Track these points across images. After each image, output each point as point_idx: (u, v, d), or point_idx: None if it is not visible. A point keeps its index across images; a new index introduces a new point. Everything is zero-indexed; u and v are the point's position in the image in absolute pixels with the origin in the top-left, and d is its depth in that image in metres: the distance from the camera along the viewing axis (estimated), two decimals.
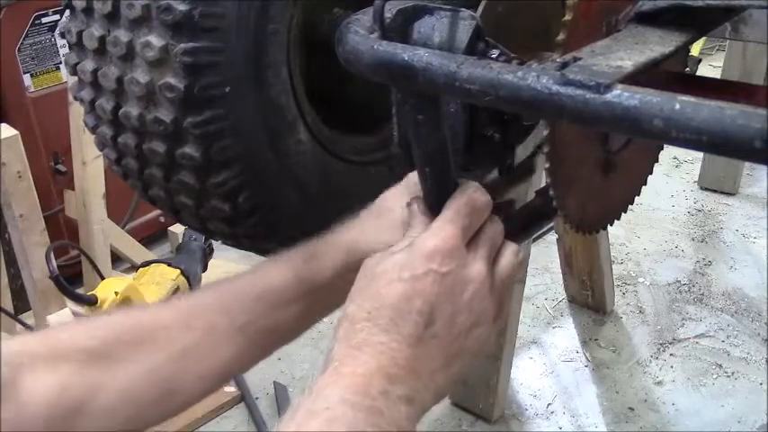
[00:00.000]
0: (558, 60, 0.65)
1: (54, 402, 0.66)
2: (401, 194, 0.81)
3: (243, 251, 1.14)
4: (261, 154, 0.98)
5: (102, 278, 2.37)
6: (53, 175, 2.54)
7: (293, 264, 0.80)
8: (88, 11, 0.95)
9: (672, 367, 2.29)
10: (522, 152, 0.89)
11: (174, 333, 0.73)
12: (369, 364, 0.62)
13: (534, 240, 2.63)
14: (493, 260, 0.71)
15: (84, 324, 0.74)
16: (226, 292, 0.79)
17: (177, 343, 0.73)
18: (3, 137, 2.03)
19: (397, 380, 0.61)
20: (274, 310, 0.78)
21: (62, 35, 1.04)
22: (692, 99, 0.54)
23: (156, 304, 0.80)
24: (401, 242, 0.70)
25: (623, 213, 1.03)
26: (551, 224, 2.35)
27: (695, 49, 3.25)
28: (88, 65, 0.98)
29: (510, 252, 0.72)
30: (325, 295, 0.81)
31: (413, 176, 0.81)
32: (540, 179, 1.79)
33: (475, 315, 0.67)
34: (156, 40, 0.89)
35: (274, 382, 2.24)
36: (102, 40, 0.94)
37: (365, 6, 0.79)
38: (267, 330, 0.78)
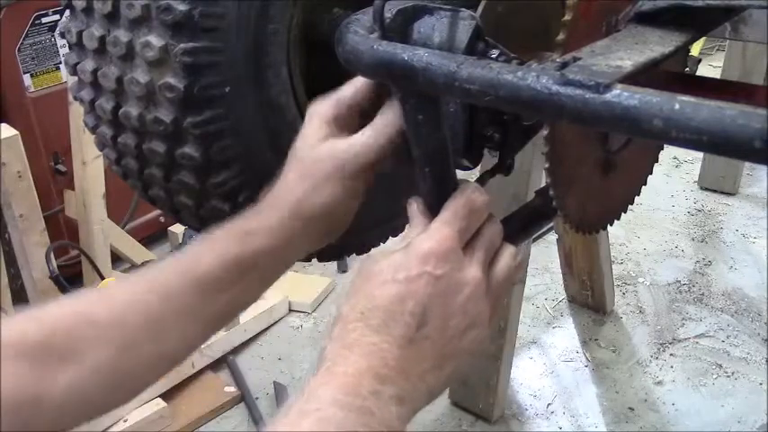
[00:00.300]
0: (557, 60, 0.65)
1: (10, 396, 0.66)
2: (318, 136, 0.79)
3: None
4: (261, 154, 0.98)
5: (102, 278, 2.38)
6: (53, 175, 2.54)
7: (226, 244, 0.77)
8: (88, 11, 0.95)
9: (672, 367, 2.29)
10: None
11: (111, 331, 0.72)
12: (359, 363, 0.62)
13: (534, 240, 2.63)
14: (490, 262, 0.71)
15: (29, 317, 0.72)
16: (159, 281, 0.76)
17: (115, 340, 0.72)
18: (3, 137, 2.03)
19: (387, 380, 0.62)
20: (212, 294, 0.76)
21: (62, 35, 1.04)
22: (692, 99, 0.55)
23: (91, 295, 0.77)
24: (400, 242, 0.70)
25: (623, 213, 1.03)
26: (551, 224, 2.35)
27: (695, 49, 3.25)
28: (88, 65, 0.98)
29: (508, 254, 0.73)
30: (265, 269, 0.79)
31: (316, 113, 0.80)
32: (540, 179, 1.80)
33: (469, 317, 0.67)
34: (155, 40, 0.89)
35: (274, 382, 2.24)
36: (102, 40, 0.94)
37: (365, 6, 0.79)
38: (207, 313, 0.77)
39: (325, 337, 0.68)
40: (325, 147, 0.78)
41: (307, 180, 0.77)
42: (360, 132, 0.78)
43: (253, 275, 0.78)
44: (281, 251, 0.78)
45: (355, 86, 0.80)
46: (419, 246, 0.67)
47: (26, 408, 0.67)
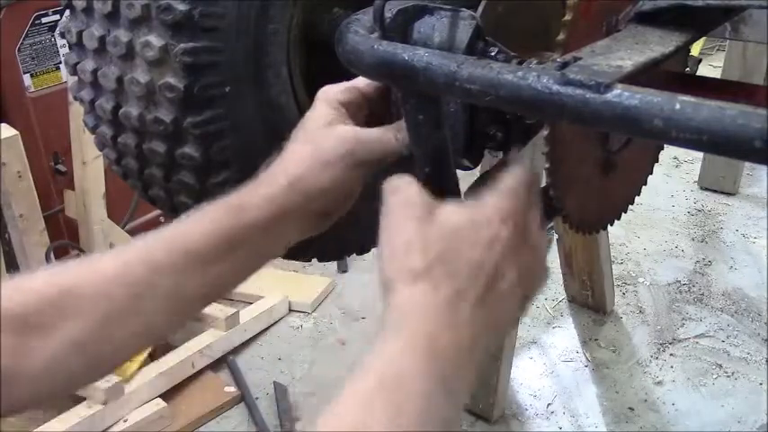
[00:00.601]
0: (558, 60, 0.65)
1: None
2: (329, 117, 0.79)
3: None
4: (261, 154, 0.98)
5: None
6: (53, 175, 2.54)
7: (219, 216, 0.75)
8: (88, 11, 0.96)
9: (672, 367, 2.29)
10: None
11: (95, 303, 0.70)
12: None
13: None
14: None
15: (12, 288, 0.70)
16: (147, 252, 0.74)
17: (99, 312, 0.70)
18: (3, 137, 2.03)
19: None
20: (200, 267, 0.74)
21: (62, 35, 1.04)
22: (692, 99, 0.55)
23: (78, 266, 0.75)
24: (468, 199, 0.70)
25: (623, 213, 1.03)
26: (551, 224, 2.35)
27: (695, 49, 3.25)
28: (88, 65, 0.98)
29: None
30: (257, 245, 0.77)
31: (328, 96, 0.80)
32: (540, 179, 1.80)
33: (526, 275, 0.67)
34: (155, 40, 0.89)
35: (274, 382, 2.24)
36: (102, 39, 0.94)
37: (365, 6, 0.79)
38: (194, 286, 0.75)
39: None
40: (337, 129, 0.78)
41: (314, 157, 0.77)
42: (384, 127, 0.78)
43: (244, 250, 0.76)
44: (275, 226, 0.76)
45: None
46: (498, 205, 0.66)
47: (4, 379, 0.66)
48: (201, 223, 0.75)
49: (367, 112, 0.82)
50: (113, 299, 0.71)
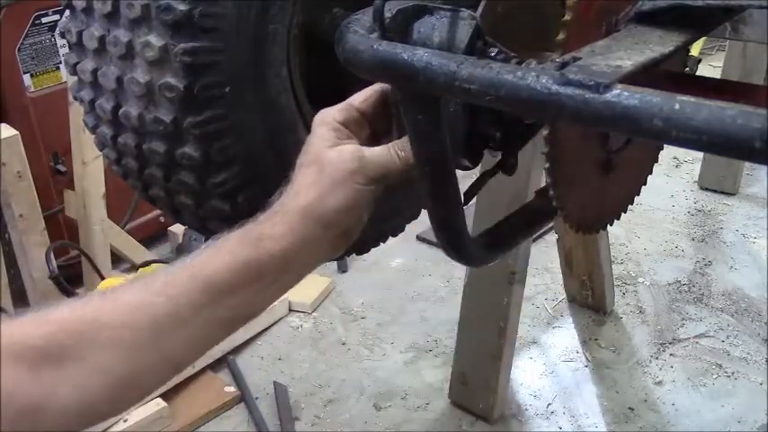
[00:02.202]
0: (557, 60, 0.65)
1: (10, 403, 0.65)
2: (329, 141, 0.79)
3: None
4: (261, 154, 0.98)
5: (102, 278, 2.38)
6: (53, 175, 2.54)
7: (238, 247, 0.76)
8: (88, 11, 0.95)
9: (672, 367, 2.29)
10: None
11: (117, 334, 0.71)
12: None
13: (534, 240, 2.63)
14: None
15: (33, 319, 0.71)
16: (167, 282, 0.75)
17: (125, 342, 0.71)
18: (3, 137, 2.03)
19: None
20: (220, 297, 0.75)
21: (62, 35, 1.04)
22: (692, 99, 0.55)
23: (98, 297, 0.75)
24: None
25: (623, 213, 1.03)
26: (551, 224, 2.35)
27: (695, 49, 3.25)
28: (88, 65, 0.98)
29: None
30: (277, 274, 0.78)
31: (325, 118, 0.80)
32: (540, 179, 1.80)
33: None
34: (155, 40, 0.89)
35: (274, 382, 2.24)
36: (101, 39, 0.94)
37: (365, 6, 0.79)
38: (215, 316, 0.76)
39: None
40: (340, 149, 0.78)
41: (322, 180, 0.77)
42: (388, 145, 0.78)
43: (264, 281, 0.77)
44: (294, 256, 0.77)
45: (366, 95, 0.81)
46: None
47: (28, 415, 0.67)
48: (220, 255, 0.76)
49: (369, 131, 0.82)
50: (134, 329, 0.72)
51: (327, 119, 0.80)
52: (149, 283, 0.76)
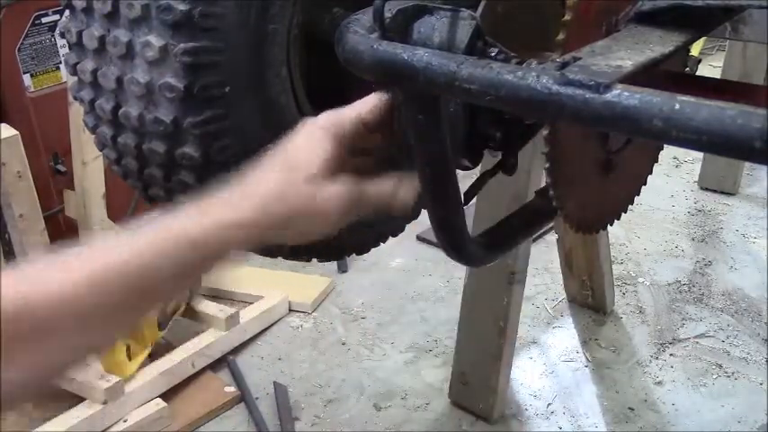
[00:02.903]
0: (557, 60, 0.65)
1: None
2: (313, 148, 0.76)
3: None
4: (261, 154, 0.98)
5: None
6: (53, 175, 2.54)
7: (170, 251, 0.70)
8: (88, 11, 0.96)
9: (672, 367, 2.29)
10: None
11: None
12: None
13: (534, 240, 2.63)
14: None
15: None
16: (94, 277, 0.68)
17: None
18: (3, 137, 2.03)
19: None
20: (149, 296, 0.70)
21: (62, 35, 1.04)
22: (692, 99, 0.55)
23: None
24: None
25: (623, 213, 1.03)
26: (551, 224, 2.35)
27: (695, 49, 3.25)
28: (88, 65, 0.98)
29: None
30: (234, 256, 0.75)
31: (316, 127, 0.77)
32: (540, 179, 1.80)
33: None
34: (155, 40, 0.89)
35: (274, 382, 2.24)
36: (101, 39, 0.94)
37: (365, 6, 0.79)
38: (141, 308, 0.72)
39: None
40: (311, 149, 0.76)
41: (288, 177, 0.75)
42: (388, 179, 0.75)
43: (197, 277, 0.74)
44: (251, 244, 0.75)
45: (356, 108, 0.76)
46: None
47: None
48: (152, 254, 0.69)
49: (368, 145, 0.78)
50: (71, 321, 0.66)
51: (315, 120, 0.78)
52: (80, 270, 0.68)
